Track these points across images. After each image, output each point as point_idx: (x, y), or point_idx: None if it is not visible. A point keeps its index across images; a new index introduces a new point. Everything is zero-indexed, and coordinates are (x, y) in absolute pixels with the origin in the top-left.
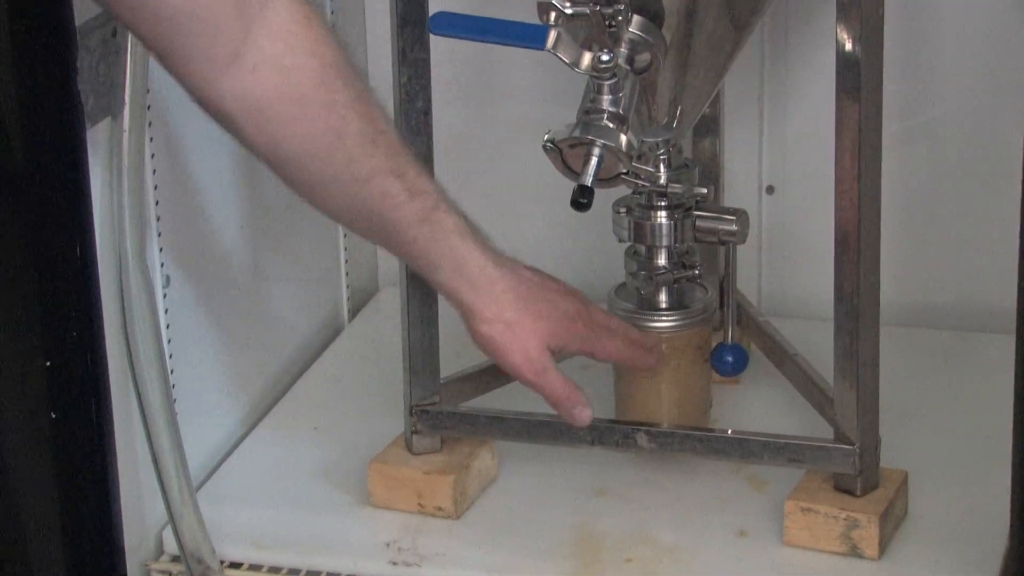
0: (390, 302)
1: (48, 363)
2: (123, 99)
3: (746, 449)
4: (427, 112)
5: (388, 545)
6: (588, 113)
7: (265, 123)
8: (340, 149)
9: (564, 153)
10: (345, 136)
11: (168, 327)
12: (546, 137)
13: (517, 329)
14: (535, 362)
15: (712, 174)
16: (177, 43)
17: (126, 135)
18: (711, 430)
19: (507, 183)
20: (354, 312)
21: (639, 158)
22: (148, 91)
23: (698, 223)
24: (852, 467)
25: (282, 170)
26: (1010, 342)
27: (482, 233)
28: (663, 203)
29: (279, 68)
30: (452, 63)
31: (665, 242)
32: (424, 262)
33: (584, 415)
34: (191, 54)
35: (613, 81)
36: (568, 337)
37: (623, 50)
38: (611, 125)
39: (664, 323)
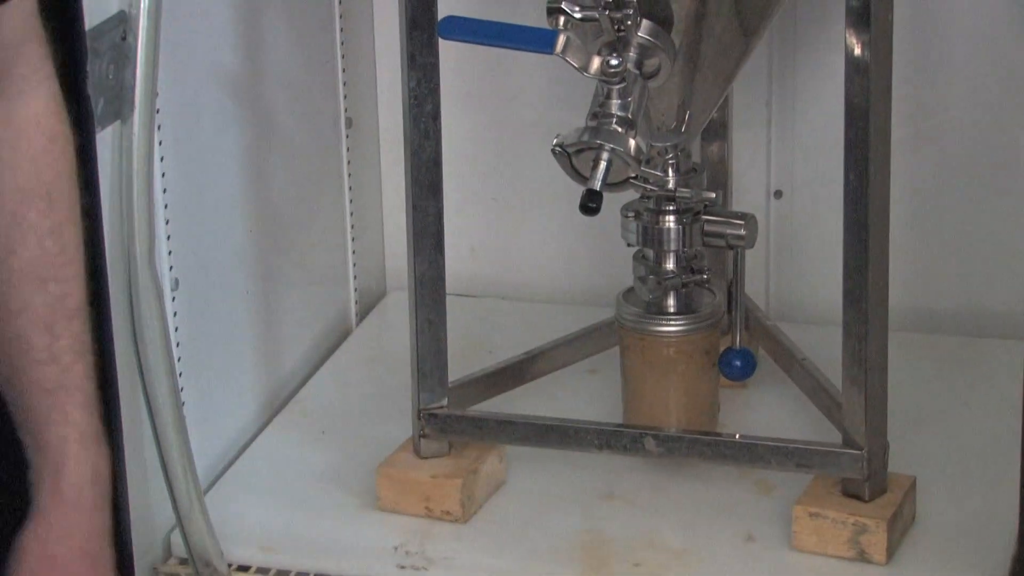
0: (398, 306)
1: None
2: (133, 103)
3: (754, 454)
4: (436, 116)
5: (396, 549)
6: (597, 117)
7: None
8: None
9: (573, 157)
10: (12, 259)
11: (177, 330)
12: (555, 141)
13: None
14: None
15: (720, 179)
16: None
17: (136, 139)
18: (719, 434)
19: (516, 187)
20: (362, 316)
21: (648, 162)
22: (158, 95)
23: (706, 227)
24: (860, 472)
25: None
26: (1019, 347)
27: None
28: (671, 207)
29: None
30: (461, 67)
31: (673, 246)
32: (30, 438)
33: None
34: None
35: (622, 85)
36: None
37: (632, 54)
38: (620, 129)
39: (672, 327)
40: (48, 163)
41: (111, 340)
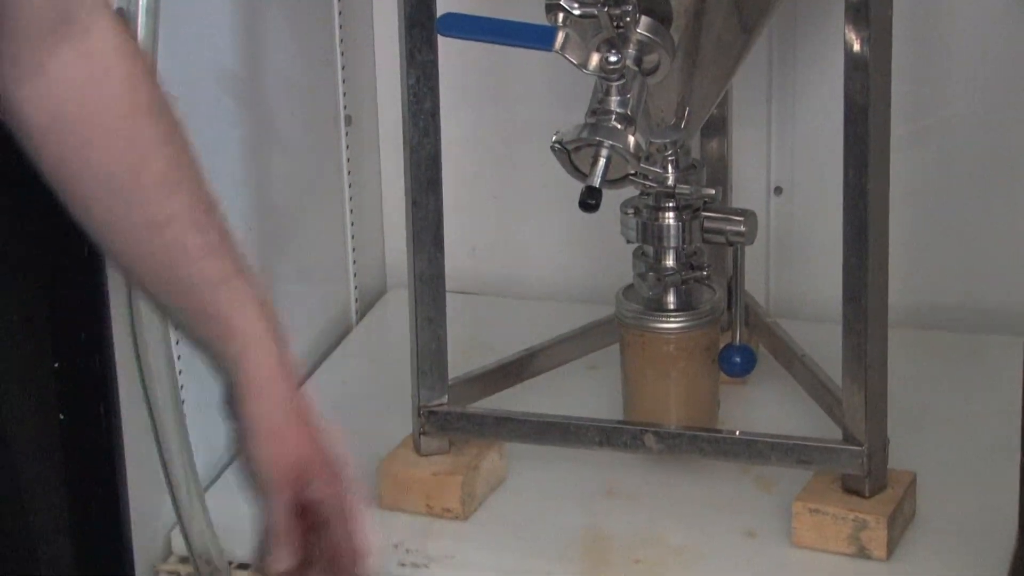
0: (398, 303)
1: (57, 364)
2: None
3: (754, 450)
4: (435, 114)
5: (396, 546)
6: (596, 114)
7: (58, 143)
8: (136, 189)
9: (572, 154)
10: (143, 175)
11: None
12: (554, 138)
13: (287, 433)
14: (287, 473)
15: (720, 175)
16: None
17: None
18: (719, 431)
19: (515, 184)
20: (362, 313)
21: (647, 159)
22: None
23: (706, 224)
24: (860, 468)
25: (71, 198)
26: (1019, 344)
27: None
28: (671, 204)
29: (85, 89)
30: (460, 65)
31: (673, 243)
32: (217, 330)
33: (278, 564)
34: None
35: (621, 82)
36: (316, 471)
37: (631, 51)
38: (619, 126)
39: (672, 324)
40: (140, 80)
41: (111, 338)
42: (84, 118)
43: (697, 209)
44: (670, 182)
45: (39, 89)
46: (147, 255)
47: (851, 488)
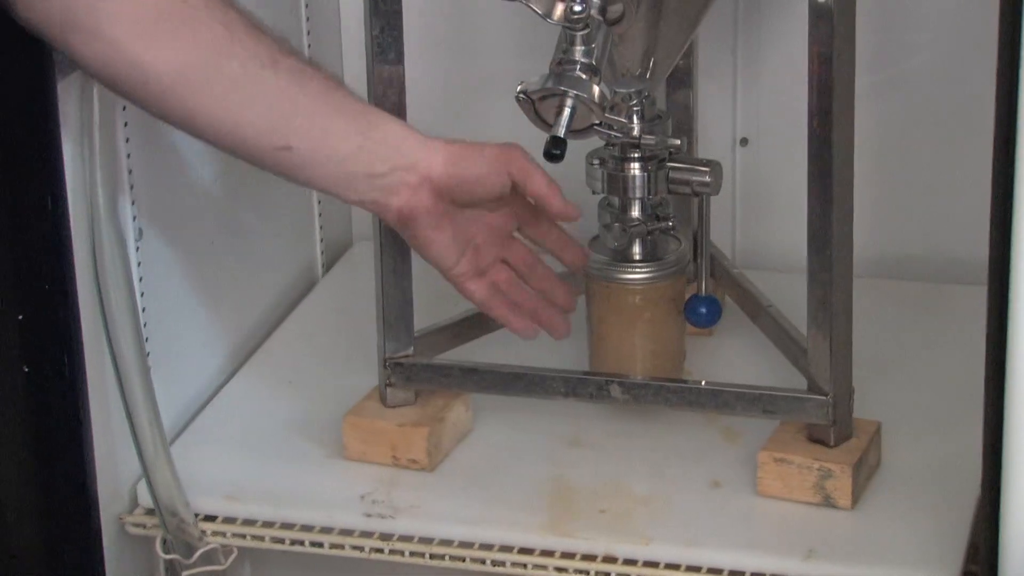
0: (364, 256)
1: (20, 316)
2: None
3: (720, 400)
4: (399, 62)
5: (362, 498)
6: (561, 64)
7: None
8: (235, 42)
9: (537, 104)
10: (235, 31)
11: (141, 280)
12: (519, 88)
13: (485, 149)
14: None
15: (685, 126)
16: None
17: (97, 85)
18: (685, 381)
19: (480, 135)
20: (328, 266)
21: (612, 109)
22: None
23: (671, 174)
24: (825, 417)
25: (183, 86)
26: (982, 293)
27: None
28: (636, 155)
29: None
30: (425, 16)
31: (638, 194)
32: (363, 124)
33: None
34: None
35: (586, 32)
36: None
37: (596, 1)
38: (584, 76)
39: (638, 275)
40: None
41: (75, 290)
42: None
43: (662, 160)
44: (635, 132)
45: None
46: (265, 104)
47: (816, 438)
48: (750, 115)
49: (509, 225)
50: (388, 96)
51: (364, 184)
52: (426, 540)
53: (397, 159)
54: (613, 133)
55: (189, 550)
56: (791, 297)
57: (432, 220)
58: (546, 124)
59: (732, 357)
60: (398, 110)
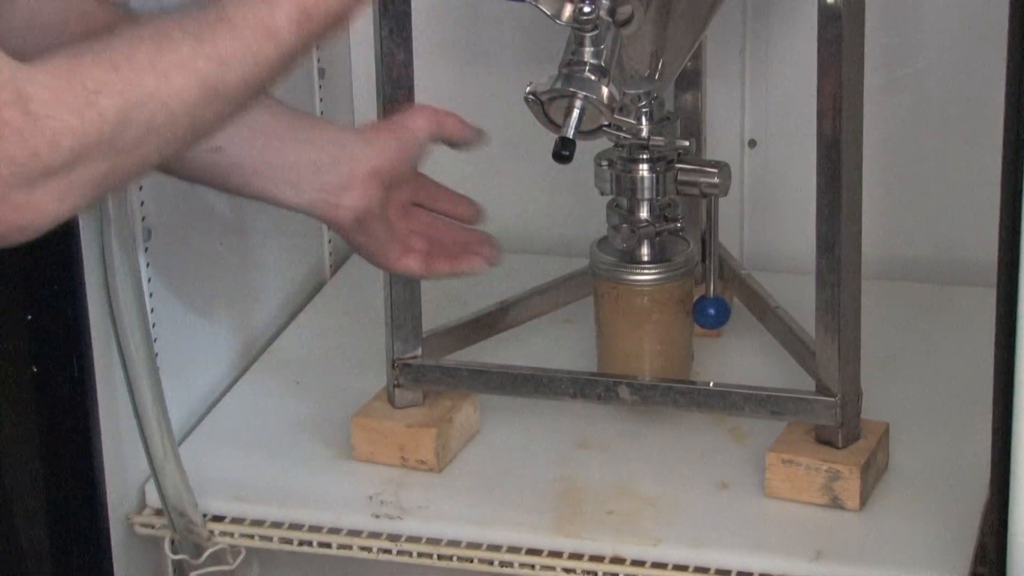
0: None
1: (29, 317)
2: None
3: (728, 401)
4: (408, 64)
5: (371, 498)
6: (570, 65)
7: None
8: None
9: (546, 105)
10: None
11: (150, 280)
12: (528, 89)
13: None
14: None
15: (694, 128)
16: None
17: None
18: (693, 383)
19: (489, 136)
20: (336, 266)
21: (621, 110)
22: None
23: (680, 176)
24: (833, 419)
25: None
26: (991, 295)
27: None
28: (645, 156)
29: None
30: (434, 16)
31: (647, 195)
32: None
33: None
34: None
35: (595, 33)
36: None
37: (605, 2)
38: (593, 77)
39: (646, 276)
40: None
41: (84, 291)
42: None
43: (671, 161)
44: (644, 134)
45: None
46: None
47: (824, 439)
48: (759, 117)
49: (407, 196)
50: (397, 97)
51: (309, 181)
52: (434, 541)
53: (340, 153)
54: (622, 134)
55: (197, 550)
56: (799, 298)
57: (383, 212)
58: (555, 125)
59: (740, 358)
60: None
